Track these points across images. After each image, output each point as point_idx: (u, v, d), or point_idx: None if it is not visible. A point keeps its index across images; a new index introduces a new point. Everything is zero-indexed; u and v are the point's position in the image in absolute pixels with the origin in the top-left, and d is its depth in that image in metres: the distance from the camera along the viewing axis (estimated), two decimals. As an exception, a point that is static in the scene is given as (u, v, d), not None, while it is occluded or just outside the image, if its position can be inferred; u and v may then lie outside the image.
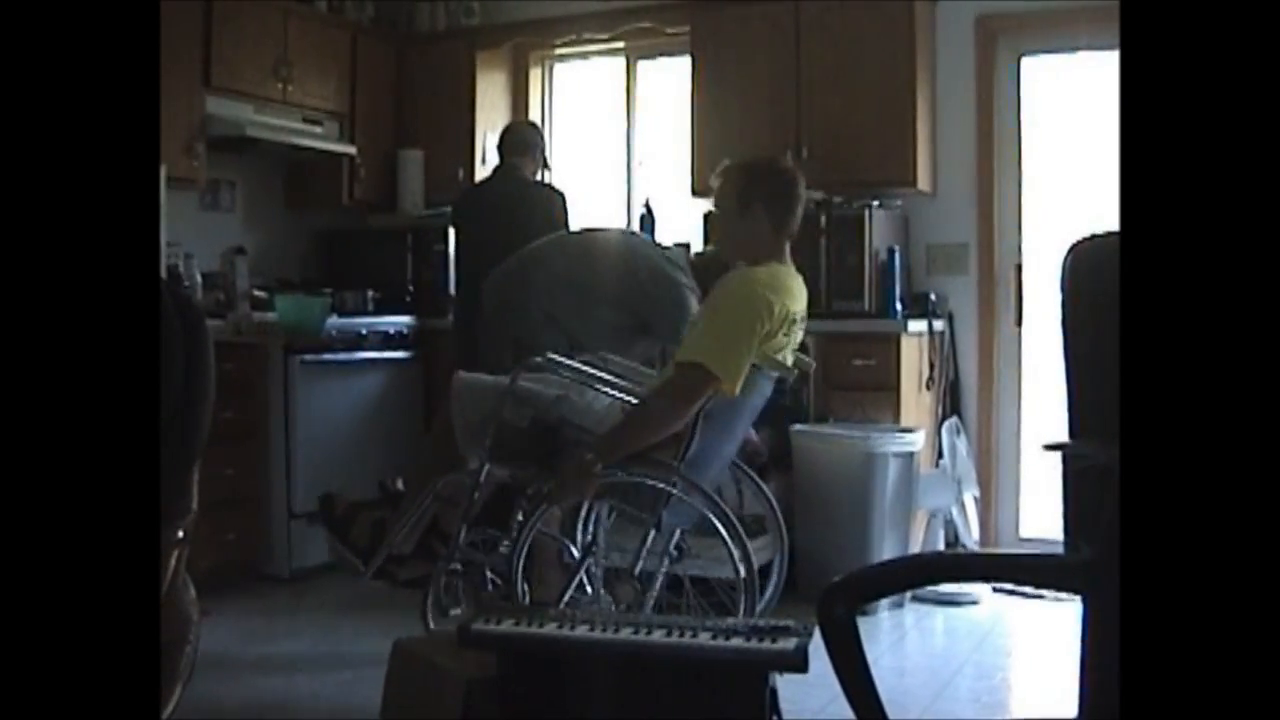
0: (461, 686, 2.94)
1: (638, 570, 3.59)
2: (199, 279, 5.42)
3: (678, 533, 3.74)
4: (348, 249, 6.65)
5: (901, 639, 4.55)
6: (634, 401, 3.50)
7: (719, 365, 3.34)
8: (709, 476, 3.63)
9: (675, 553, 3.78)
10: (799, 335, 3.64)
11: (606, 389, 3.61)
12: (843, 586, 1.81)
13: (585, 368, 3.70)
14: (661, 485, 3.44)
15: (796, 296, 3.59)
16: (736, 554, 3.44)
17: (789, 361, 3.63)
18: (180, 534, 1.91)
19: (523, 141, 5.37)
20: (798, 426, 5.10)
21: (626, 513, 3.63)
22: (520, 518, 3.65)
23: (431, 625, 3.65)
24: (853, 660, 1.79)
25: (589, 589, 3.70)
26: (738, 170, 3.68)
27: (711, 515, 3.47)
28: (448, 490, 3.78)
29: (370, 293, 6.18)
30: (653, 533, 3.54)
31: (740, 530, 3.49)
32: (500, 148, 5.41)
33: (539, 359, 3.65)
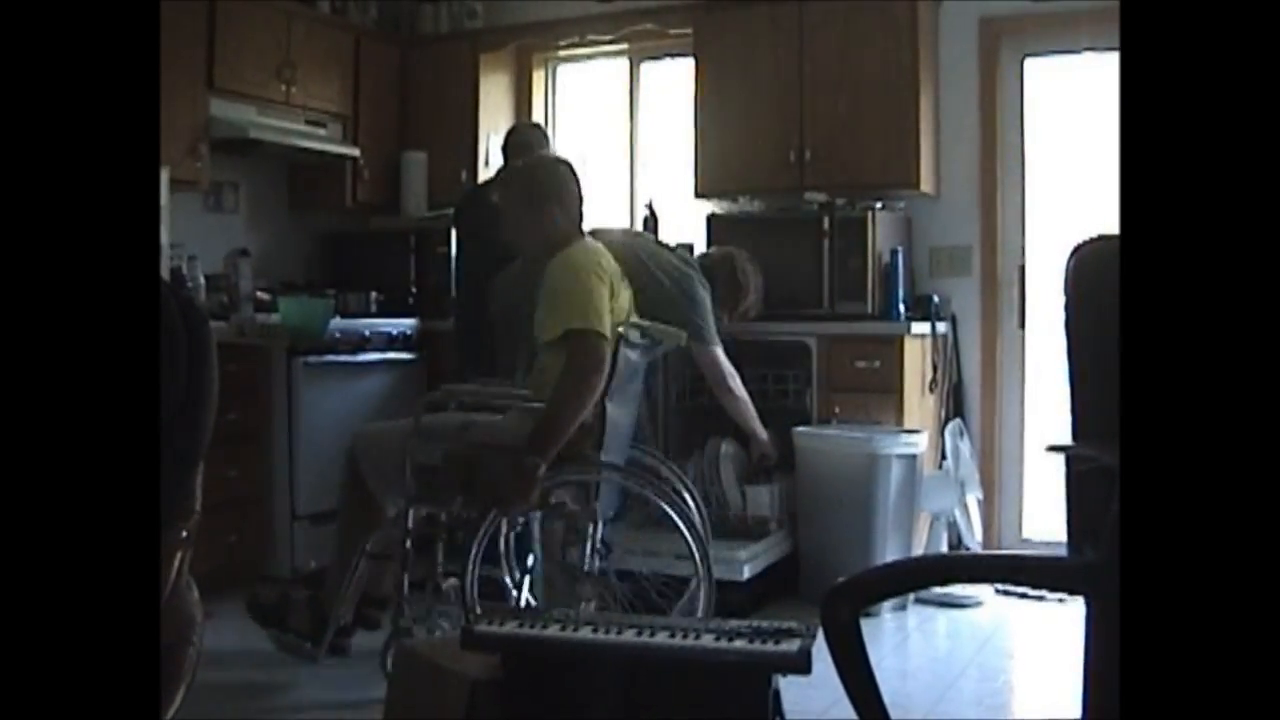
0: (465, 688, 2.94)
1: (588, 567, 3.75)
2: (202, 281, 5.42)
3: (603, 526, 3.86)
4: (351, 251, 6.66)
5: (904, 641, 4.55)
6: (534, 405, 3.61)
7: (595, 319, 3.56)
8: (621, 459, 3.86)
9: (604, 548, 3.87)
10: (627, 294, 3.86)
11: (505, 401, 3.78)
12: (847, 588, 1.81)
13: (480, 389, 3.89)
14: (591, 477, 3.67)
15: (609, 257, 3.84)
16: (683, 527, 3.64)
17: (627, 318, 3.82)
18: (184, 535, 1.91)
19: (527, 143, 5.37)
20: (800, 428, 5.10)
21: (563, 511, 3.74)
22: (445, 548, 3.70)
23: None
24: (857, 662, 1.79)
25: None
26: (524, 174, 4.00)
27: (646, 491, 3.73)
28: (377, 547, 3.84)
29: (373, 295, 6.18)
30: (591, 526, 3.73)
31: (684, 510, 3.73)
32: (505, 149, 5.41)
33: (436, 393, 3.84)
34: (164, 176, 5.00)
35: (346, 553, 3.86)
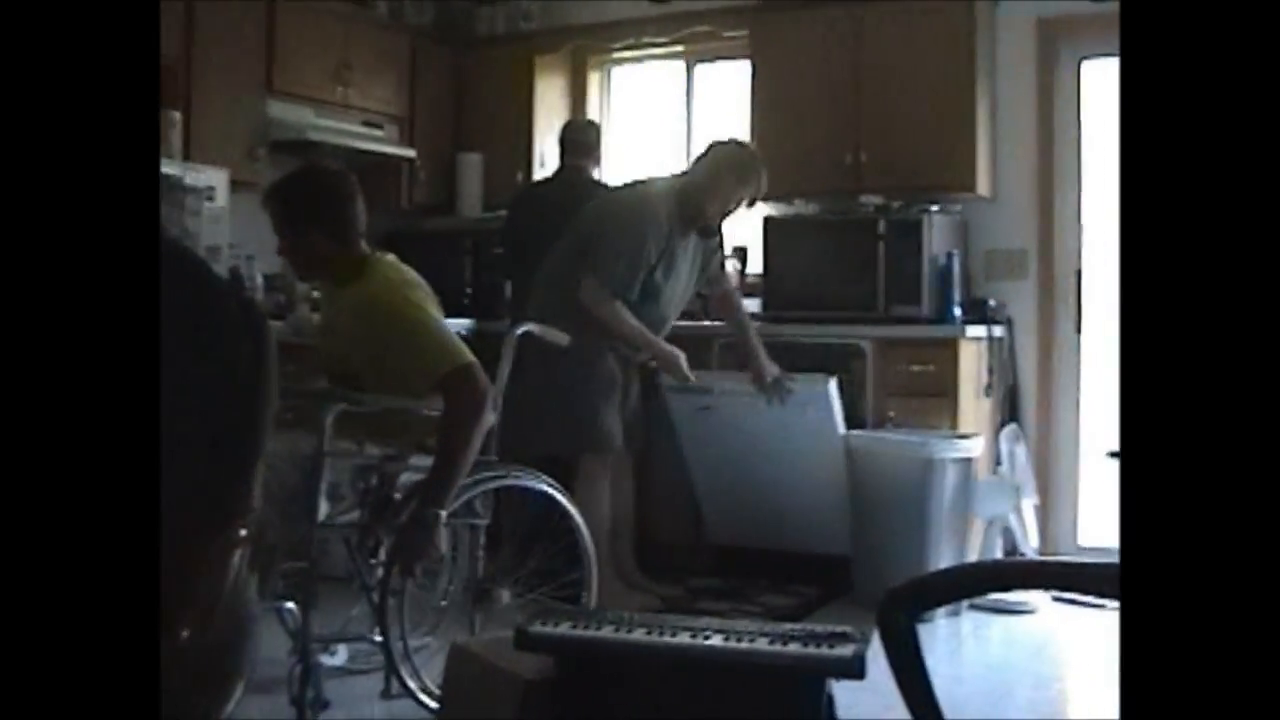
0: (520, 688, 2.95)
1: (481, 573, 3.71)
2: (260, 280, 5.47)
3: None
4: (406, 252, 6.55)
5: (958, 647, 4.52)
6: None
7: (461, 353, 3.40)
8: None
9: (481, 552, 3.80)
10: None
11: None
12: (904, 592, 1.80)
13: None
14: (506, 481, 3.64)
15: (406, 267, 3.70)
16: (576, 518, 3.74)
17: None
18: (243, 533, 1.92)
19: (586, 143, 5.37)
20: (855, 432, 5.08)
21: (463, 525, 3.65)
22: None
23: None
24: (913, 668, 1.79)
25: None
26: (274, 202, 3.57)
27: (552, 490, 3.75)
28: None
29: (431, 296, 6.21)
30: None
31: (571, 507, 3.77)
32: (562, 145, 5.41)
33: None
34: (223, 177, 5.06)
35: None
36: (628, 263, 4.55)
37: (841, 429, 5.07)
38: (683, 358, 4.76)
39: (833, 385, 5.05)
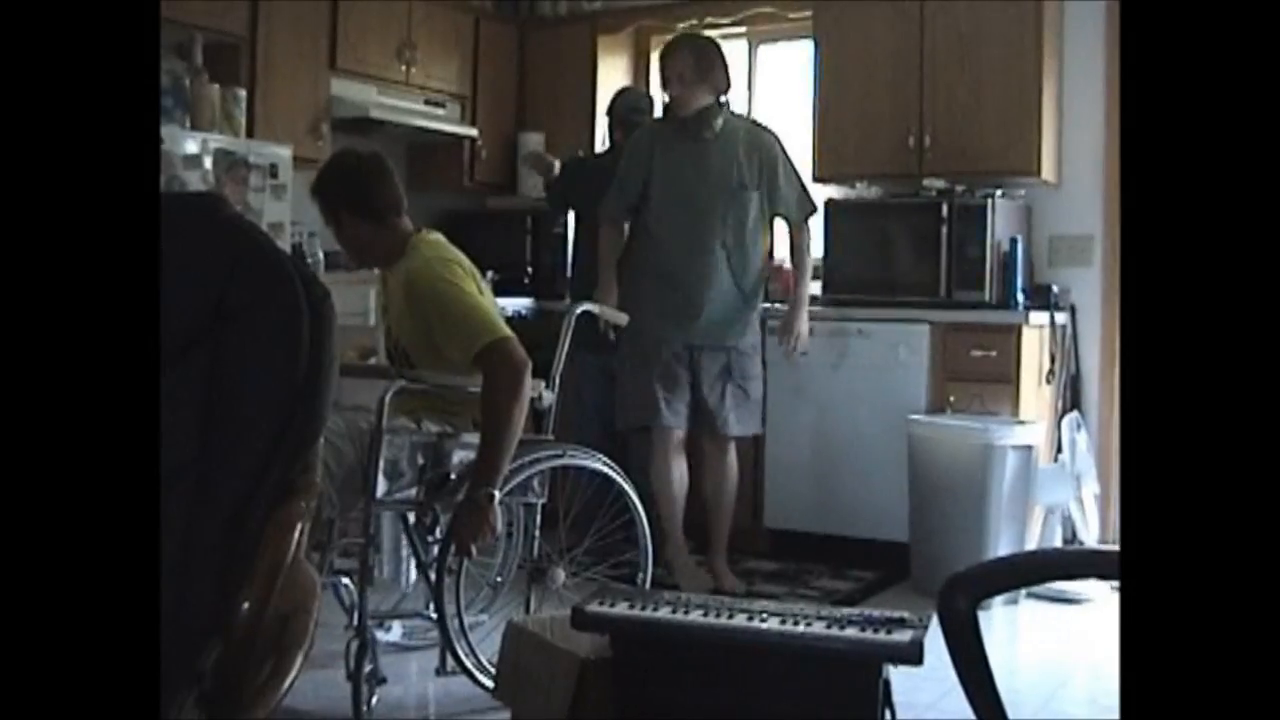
0: (576, 667, 2.96)
1: (537, 552, 3.73)
2: (321, 257, 5.50)
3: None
4: (468, 230, 6.65)
5: (1015, 636, 4.48)
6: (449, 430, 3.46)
7: (496, 328, 3.36)
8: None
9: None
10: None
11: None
12: (966, 578, 1.78)
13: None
14: (562, 460, 3.66)
15: (451, 246, 3.66)
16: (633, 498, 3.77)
17: None
18: (304, 507, 1.93)
19: (636, 107, 5.38)
20: (914, 416, 5.05)
21: (520, 503, 3.67)
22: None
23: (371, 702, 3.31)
24: (973, 654, 1.76)
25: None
26: (317, 195, 3.62)
27: (607, 469, 3.76)
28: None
29: (490, 274, 6.20)
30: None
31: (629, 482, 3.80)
32: (611, 116, 5.40)
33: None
34: (286, 155, 5.09)
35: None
36: (615, 186, 4.77)
37: (928, 374, 5.19)
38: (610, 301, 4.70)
39: (926, 328, 5.19)
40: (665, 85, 4.79)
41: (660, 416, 4.65)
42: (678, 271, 4.71)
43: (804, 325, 4.98)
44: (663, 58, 4.81)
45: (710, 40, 5.00)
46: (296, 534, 1.86)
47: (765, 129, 4.99)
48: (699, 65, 4.68)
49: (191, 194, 2.44)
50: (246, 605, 1.74)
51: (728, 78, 4.80)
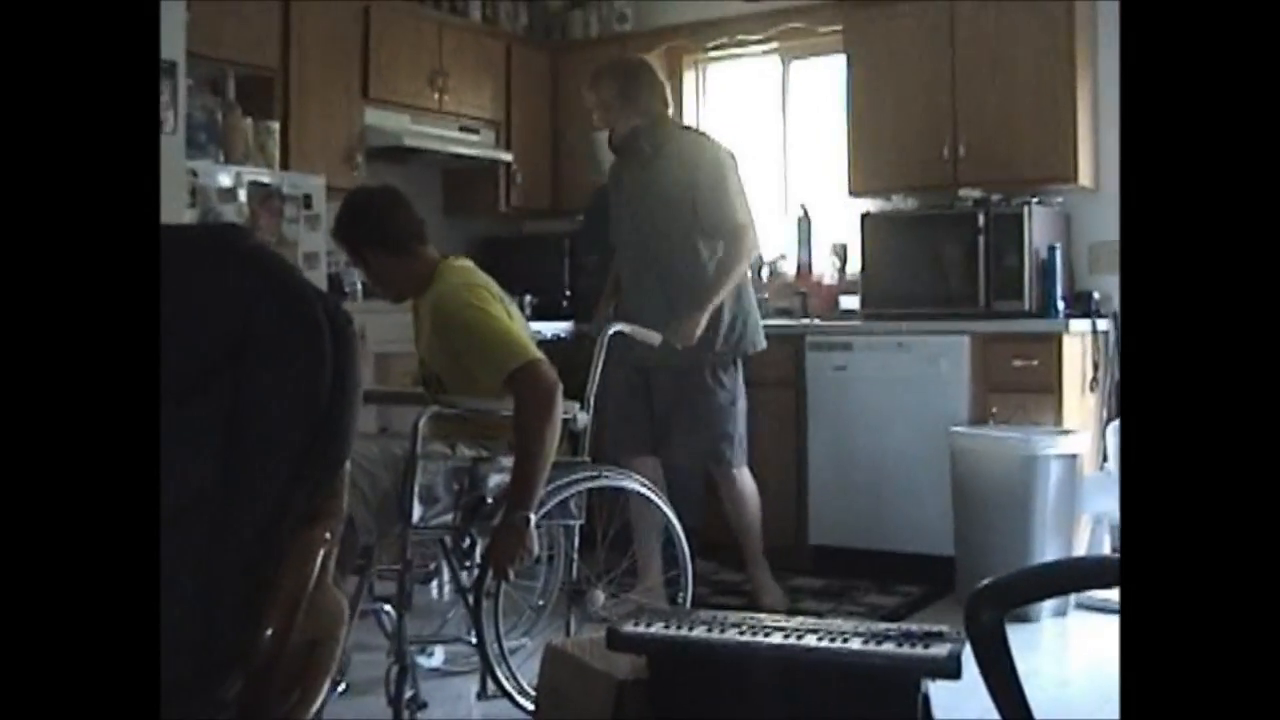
0: (613, 688, 2.95)
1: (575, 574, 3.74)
2: (360, 287, 5.53)
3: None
4: (505, 255, 6.72)
5: (1064, 647, 4.42)
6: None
7: (524, 351, 3.36)
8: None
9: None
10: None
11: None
12: (991, 590, 1.76)
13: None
14: (599, 481, 3.67)
15: (479, 271, 3.72)
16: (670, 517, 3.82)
17: None
18: (328, 535, 1.93)
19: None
20: (956, 428, 5.00)
21: (558, 525, 3.67)
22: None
23: None
24: (1001, 668, 1.74)
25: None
26: (337, 238, 3.74)
27: (643, 489, 3.81)
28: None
29: (528, 298, 6.24)
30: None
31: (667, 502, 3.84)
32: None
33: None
34: (320, 184, 5.13)
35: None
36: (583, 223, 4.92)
37: (969, 385, 5.14)
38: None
39: (966, 339, 5.12)
40: (593, 115, 4.72)
41: (619, 448, 4.54)
42: (629, 291, 4.69)
43: (692, 326, 4.46)
44: (589, 88, 4.68)
45: (639, 63, 4.86)
46: (318, 560, 1.86)
47: (712, 144, 4.73)
48: (624, 91, 4.52)
49: (213, 225, 2.47)
50: (269, 633, 1.74)
51: (662, 97, 4.64)
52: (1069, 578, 1.82)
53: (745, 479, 4.73)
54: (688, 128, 4.93)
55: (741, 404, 4.67)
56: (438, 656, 3.84)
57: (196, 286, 2.24)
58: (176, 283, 2.25)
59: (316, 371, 2.14)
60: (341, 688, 3.59)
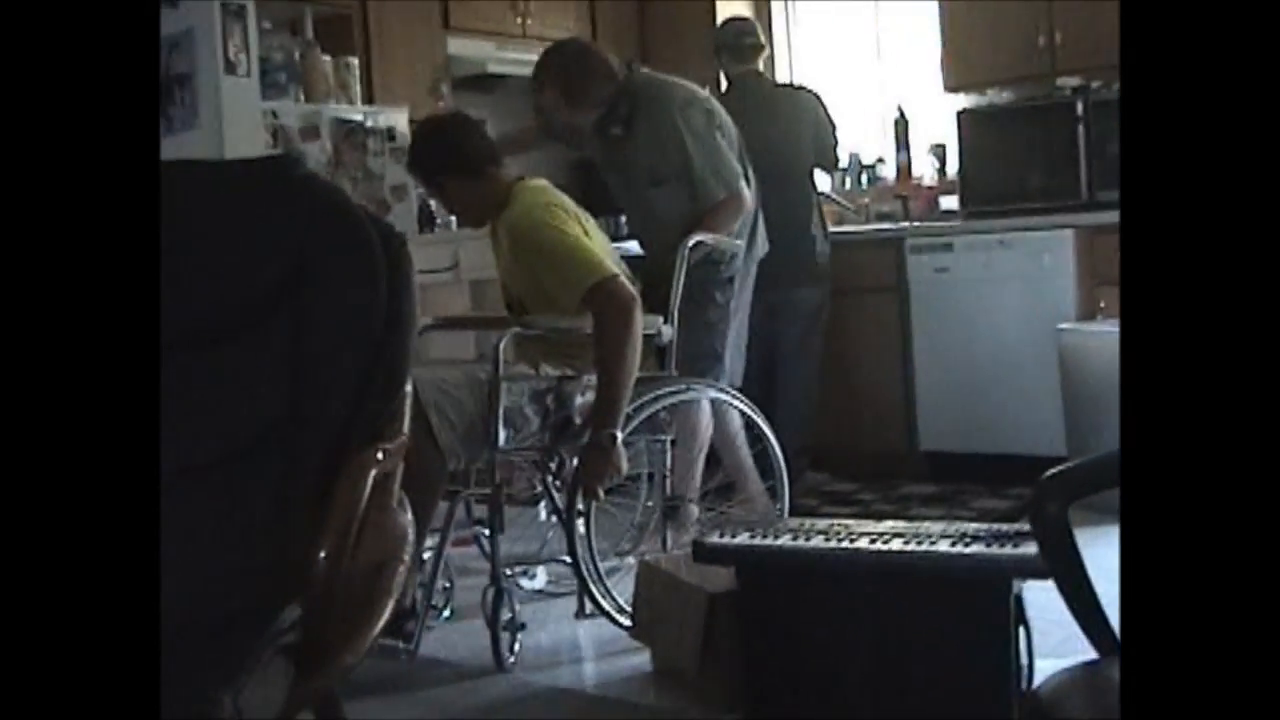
0: (704, 602, 2.94)
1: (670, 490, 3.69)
2: (454, 219, 5.53)
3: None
4: (597, 176, 6.67)
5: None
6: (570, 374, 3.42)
7: (599, 268, 3.32)
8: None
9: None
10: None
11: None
12: (1055, 481, 1.70)
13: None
14: (685, 395, 3.63)
15: (554, 190, 3.65)
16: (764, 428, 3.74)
17: None
18: (380, 456, 1.93)
19: (753, 45, 5.23)
20: (1064, 325, 4.87)
21: (652, 441, 3.63)
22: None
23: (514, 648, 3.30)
24: (1069, 562, 1.69)
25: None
26: (411, 169, 3.75)
27: (733, 400, 3.77)
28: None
29: (622, 219, 6.19)
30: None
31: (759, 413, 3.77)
32: (719, 45, 5.27)
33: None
34: (403, 117, 5.13)
35: (420, 523, 3.10)
36: None
37: (1075, 280, 5.01)
38: None
39: (1070, 233, 4.99)
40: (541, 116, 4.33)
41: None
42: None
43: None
44: (533, 91, 4.22)
45: (575, 57, 4.11)
46: (369, 481, 1.87)
47: (663, 97, 4.10)
48: (567, 96, 4.02)
49: (263, 158, 2.46)
50: (322, 555, 1.75)
51: (605, 74, 4.03)
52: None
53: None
54: (644, 87, 4.15)
55: None
56: (540, 578, 3.86)
57: (249, 221, 2.25)
58: (229, 218, 2.27)
59: (372, 295, 2.14)
60: (446, 613, 3.64)
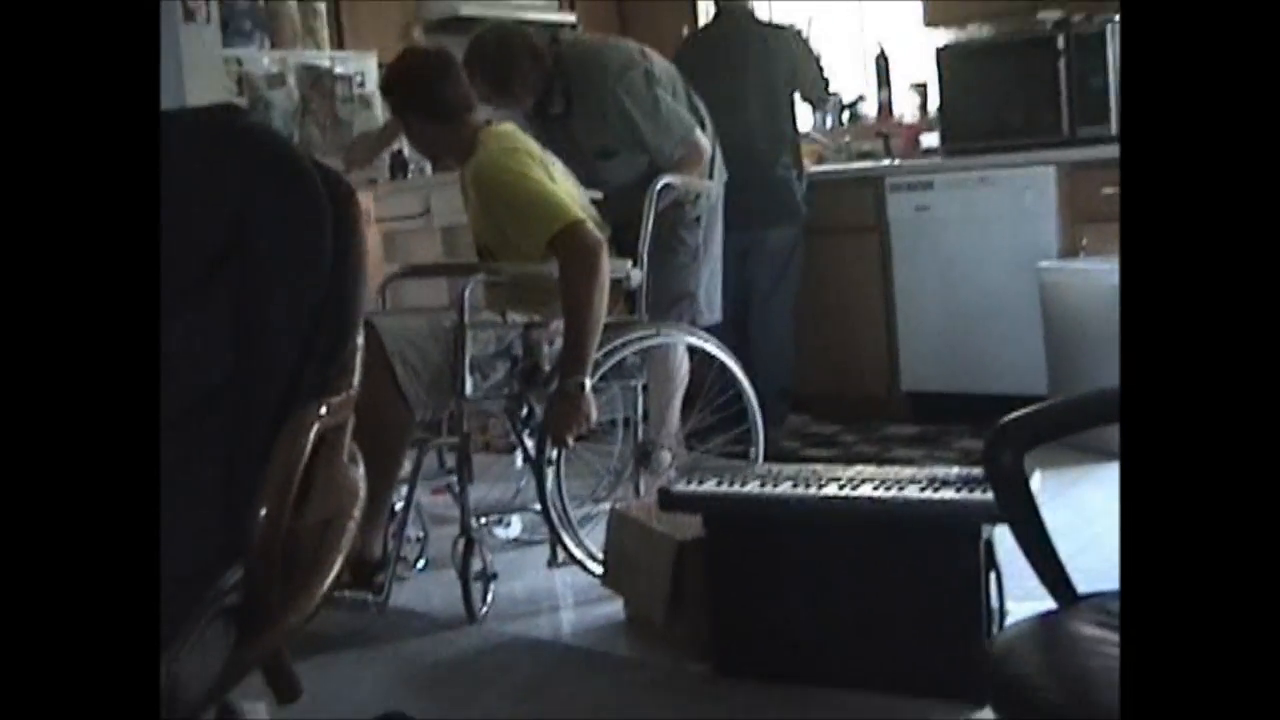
0: (673, 549, 2.91)
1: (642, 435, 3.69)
2: (430, 165, 5.47)
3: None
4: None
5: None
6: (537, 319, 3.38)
7: (565, 213, 3.26)
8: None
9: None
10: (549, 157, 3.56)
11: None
12: (1010, 428, 1.66)
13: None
14: (654, 339, 3.58)
15: (521, 136, 3.56)
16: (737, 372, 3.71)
17: None
18: (324, 410, 1.89)
19: None
20: (1044, 263, 4.82)
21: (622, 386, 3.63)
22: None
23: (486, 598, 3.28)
24: (1024, 510, 1.65)
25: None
26: (385, 95, 3.75)
27: (704, 344, 3.70)
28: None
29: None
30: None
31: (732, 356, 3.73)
32: None
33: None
34: (371, 62, 5.06)
35: (387, 474, 3.16)
36: None
37: (1057, 217, 4.94)
38: None
39: (1052, 170, 4.92)
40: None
41: None
42: None
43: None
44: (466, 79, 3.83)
45: (496, 48, 3.97)
46: (309, 436, 1.82)
47: (597, 69, 4.00)
48: (496, 89, 3.91)
49: (206, 108, 2.39)
50: (262, 513, 1.70)
51: (531, 59, 3.93)
52: (1097, 412, 1.71)
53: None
54: (577, 62, 4.07)
55: None
56: (515, 526, 3.83)
57: (192, 174, 2.19)
58: (172, 172, 2.20)
59: (317, 246, 2.09)
60: (420, 564, 3.62)
